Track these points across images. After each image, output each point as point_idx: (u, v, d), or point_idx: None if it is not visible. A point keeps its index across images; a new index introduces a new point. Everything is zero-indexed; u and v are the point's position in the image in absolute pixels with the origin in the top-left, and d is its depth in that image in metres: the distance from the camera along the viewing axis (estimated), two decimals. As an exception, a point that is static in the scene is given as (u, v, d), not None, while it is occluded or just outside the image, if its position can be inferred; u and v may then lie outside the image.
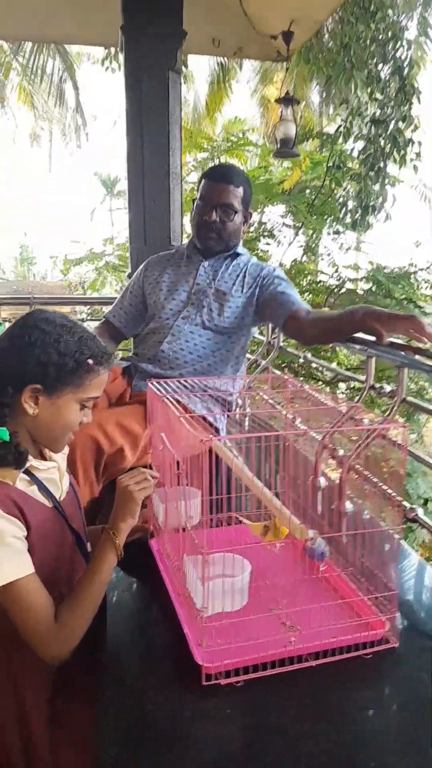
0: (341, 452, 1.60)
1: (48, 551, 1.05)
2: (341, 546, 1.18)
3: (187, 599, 1.04)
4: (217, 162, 6.68)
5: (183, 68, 5.49)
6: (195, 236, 1.96)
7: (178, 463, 1.08)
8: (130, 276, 2.27)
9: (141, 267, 2.10)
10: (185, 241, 2.23)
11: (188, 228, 2.33)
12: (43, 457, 1.12)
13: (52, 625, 0.96)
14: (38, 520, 1.02)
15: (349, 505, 1.58)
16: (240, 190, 1.87)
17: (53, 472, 1.11)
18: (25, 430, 1.05)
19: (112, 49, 5.80)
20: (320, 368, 6.69)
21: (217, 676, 0.93)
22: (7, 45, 8.20)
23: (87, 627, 1.00)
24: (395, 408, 1.55)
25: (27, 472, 1.04)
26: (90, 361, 1.04)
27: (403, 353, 1.51)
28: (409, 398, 1.65)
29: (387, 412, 1.61)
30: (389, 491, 1.27)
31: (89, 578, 1.04)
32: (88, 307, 5.78)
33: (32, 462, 1.05)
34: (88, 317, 5.14)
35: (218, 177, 1.88)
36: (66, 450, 1.19)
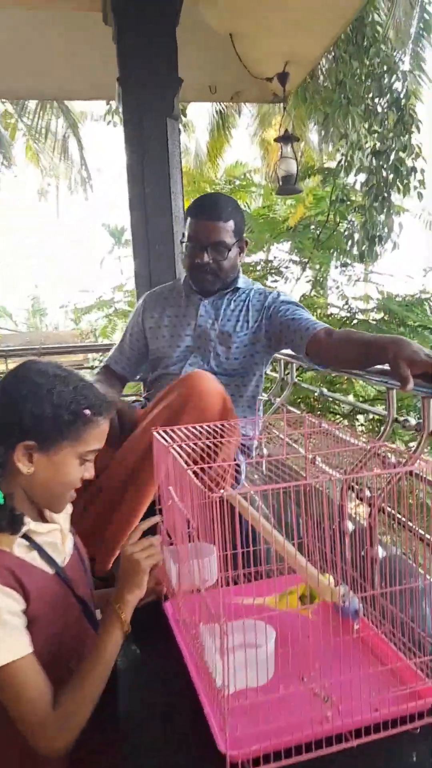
0: (368, 493, 1.49)
1: (52, 622, 0.96)
2: (374, 598, 1.06)
3: (207, 674, 0.93)
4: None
5: (182, 117, 5.64)
6: (189, 278, 1.86)
7: (189, 521, 0.99)
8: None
9: (138, 306, 1.98)
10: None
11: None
12: (44, 519, 1.04)
13: (49, 713, 0.86)
14: (39, 589, 0.93)
15: (381, 551, 1.47)
16: (230, 224, 1.75)
17: (55, 535, 1.02)
18: (22, 491, 0.97)
19: (113, 104, 5.95)
20: (337, 401, 6.58)
21: (244, 765, 0.81)
22: (11, 107, 8.51)
23: (88, 715, 0.89)
24: (423, 443, 1.45)
25: (26, 536, 0.96)
26: (87, 411, 0.96)
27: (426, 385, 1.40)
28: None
29: (414, 449, 1.50)
30: (427, 536, 1.16)
31: (92, 659, 0.94)
32: (100, 354, 5.77)
33: (31, 525, 0.96)
34: (101, 363, 5.12)
35: (204, 214, 1.74)
36: (69, 509, 1.10)
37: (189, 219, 1.78)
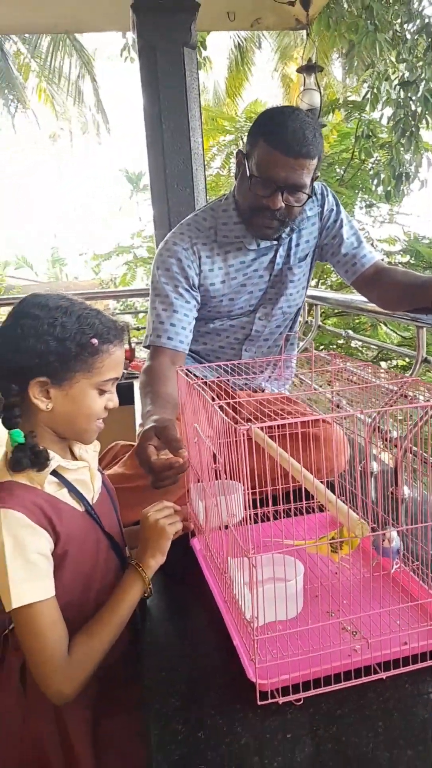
0: (395, 434, 1.46)
1: (81, 559, 0.96)
2: (403, 537, 1.05)
3: (236, 607, 0.93)
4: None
5: (201, 49, 5.37)
6: (245, 220, 1.51)
7: (215, 456, 0.97)
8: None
9: (185, 256, 1.52)
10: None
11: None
12: (73, 457, 1.03)
13: (63, 658, 0.87)
14: (69, 526, 0.93)
15: (407, 491, 1.45)
16: (316, 161, 1.38)
17: (84, 472, 1.02)
18: (46, 428, 0.96)
19: (129, 38, 5.68)
20: (361, 347, 6.49)
21: (274, 694, 0.82)
22: (23, 46, 8.22)
23: (97, 665, 0.90)
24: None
25: (56, 473, 0.95)
26: (94, 340, 0.93)
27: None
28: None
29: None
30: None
31: (108, 614, 0.94)
32: (120, 302, 5.72)
33: (61, 462, 0.96)
34: (120, 312, 5.09)
35: (291, 149, 1.33)
36: (97, 447, 1.09)
37: (261, 144, 1.36)
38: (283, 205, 1.39)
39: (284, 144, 1.32)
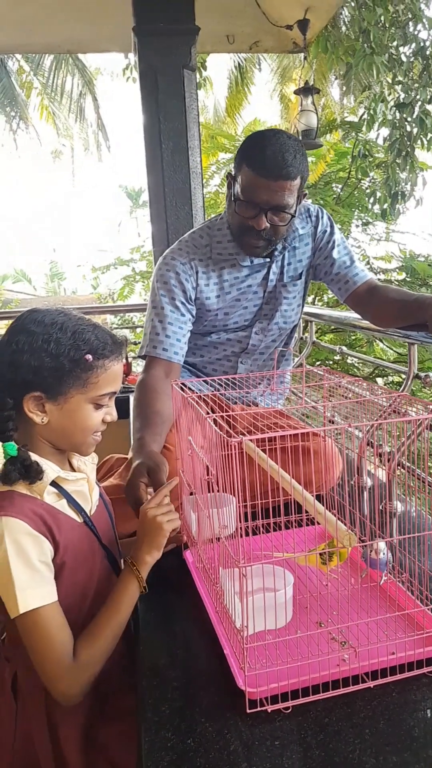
0: (387, 448, 1.49)
1: (78, 569, 0.98)
2: (392, 550, 1.07)
3: (227, 616, 0.95)
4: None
5: (201, 70, 5.47)
6: (235, 239, 1.56)
7: (208, 468, 0.99)
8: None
9: (183, 270, 1.57)
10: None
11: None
12: (72, 469, 1.05)
13: (68, 661, 0.89)
14: (67, 536, 0.95)
15: (398, 505, 1.47)
16: (297, 181, 1.42)
17: (82, 484, 1.04)
18: (42, 441, 0.98)
19: (132, 59, 5.79)
20: (356, 364, 6.52)
21: (263, 702, 0.83)
22: (26, 64, 8.34)
23: (101, 667, 0.92)
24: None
25: (55, 484, 0.97)
26: (89, 356, 0.94)
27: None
28: (458, 386, 1.53)
29: (435, 402, 1.49)
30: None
31: (107, 614, 0.96)
32: (117, 317, 5.76)
33: (60, 473, 0.98)
34: (117, 327, 5.12)
35: (272, 172, 1.38)
36: (95, 460, 1.12)
37: (244, 168, 1.41)
38: (268, 225, 1.45)
39: (264, 168, 1.38)
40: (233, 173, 1.50)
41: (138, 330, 5.78)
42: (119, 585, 0.99)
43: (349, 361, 6.40)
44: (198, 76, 5.38)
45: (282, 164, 1.38)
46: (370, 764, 0.75)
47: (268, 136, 1.43)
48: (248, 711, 0.82)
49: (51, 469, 0.96)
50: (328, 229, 1.66)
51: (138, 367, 3.31)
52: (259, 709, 0.83)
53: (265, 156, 1.38)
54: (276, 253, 1.61)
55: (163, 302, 1.57)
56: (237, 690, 0.85)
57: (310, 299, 6.37)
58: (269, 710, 0.83)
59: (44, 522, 0.92)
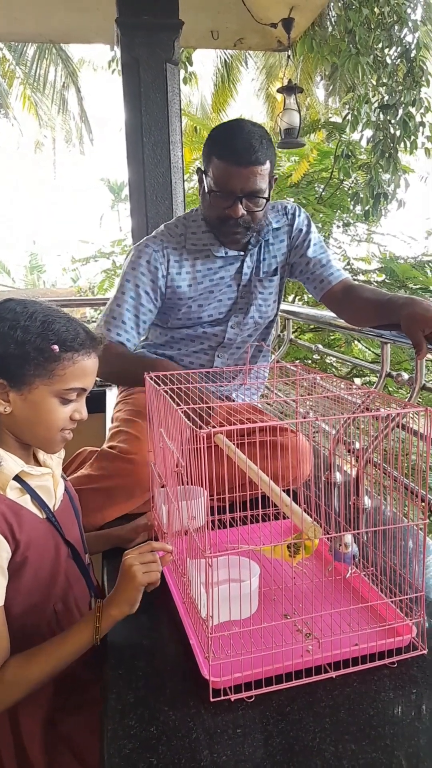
0: (357, 445, 1.51)
1: (41, 566, 0.97)
2: (360, 544, 1.08)
3: (193, 607, 0.95)
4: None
5: (187, 65, 5.44)
6: (214, 230, 1.58)
7: (179, 461, 1.00)
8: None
9: (154, 258, 1.58)
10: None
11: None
12: (37, 463, 1.04)
13: None
14: (30, 534, 0.94)
15: (367, 501, 1.49)
16: (268, 165, 1.46)
17: (47, 479, 1.02)
18: (8, 432, 0.96)
19: (117, 51, 5.74)
20: (334, 363, 6.57)
21: (227, 692, 0.84)
22: (9, 53, 8.23)
23: (25, 694, 0.88)
24: (415, 394, 1.45)
25: (19, 479, 0.96)
26: (55, 347, 0.92)
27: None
28: (430, 384, 1.55)
29: (408, 398, 1.51)
30: (411, 484, 1.18)
31: (51, 648, 0.90)
32: (96, 310, 5.73)
33: (24, 468, 0.96)
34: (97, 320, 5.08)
35: (241, 159, 1.41)
36: (62, 455, 1.10)
37: (216, 162, 1.45)
38: (244, 212, 1.48)
39: (235, 156, 1.42)
40: (203, 168, 1.54)
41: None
42: (74, 628, 0.92)
43: (327, 360, 6.45)
44: (183, 71, 5.38)
45: (251, 150, 1.42)
46: (329, 752, 0.76)
47: (233, 125, 1.48)
48: (212, 700, 0.83)
49: (15, 463, 0.95)
50: (304, 228, 1.68)
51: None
52: (222, 698, 0.84)
53: (234, 145, 1.43)
54: (250, 246, 1.63)
55: (126, 287, 1.60)
56: (202, 679, 0.86)
57: (290, 298, 6.40)
58: (232, 699, 0.84)
59: (5, 519, 0.90)
